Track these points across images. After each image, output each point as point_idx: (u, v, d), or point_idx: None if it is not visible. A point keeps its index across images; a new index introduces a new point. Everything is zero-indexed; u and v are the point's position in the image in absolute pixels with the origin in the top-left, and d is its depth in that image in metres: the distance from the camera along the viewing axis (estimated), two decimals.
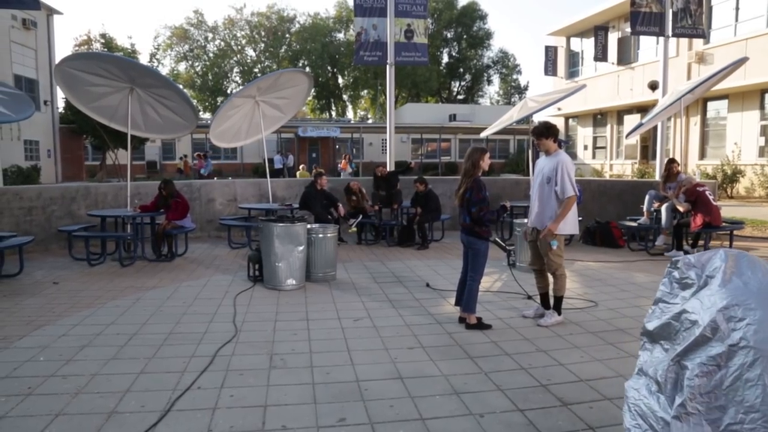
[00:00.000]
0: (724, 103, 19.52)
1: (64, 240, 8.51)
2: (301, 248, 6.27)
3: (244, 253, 8.39)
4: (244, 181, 11.74)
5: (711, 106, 20.33)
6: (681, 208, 8.40)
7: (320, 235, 6.64)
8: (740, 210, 13.49)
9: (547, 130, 4.95)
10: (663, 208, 8.84)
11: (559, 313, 4.96)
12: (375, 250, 9.02)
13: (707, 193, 8.34)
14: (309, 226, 6.61)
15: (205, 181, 12.28)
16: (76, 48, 32.75)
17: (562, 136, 28.19)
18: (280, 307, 5.54)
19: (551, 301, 5.02)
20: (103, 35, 28.84)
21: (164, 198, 8.28)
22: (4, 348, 4.30)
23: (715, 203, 8.47)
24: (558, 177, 4.77)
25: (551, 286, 5.03)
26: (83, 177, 28.95)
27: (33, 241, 7.74)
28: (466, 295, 4.84)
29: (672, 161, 9.26)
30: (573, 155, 28.40)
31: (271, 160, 21.52)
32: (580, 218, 9.15)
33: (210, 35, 46.32)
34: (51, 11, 25.93)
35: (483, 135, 12.36)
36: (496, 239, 5.19)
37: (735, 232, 8.91)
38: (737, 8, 18.94)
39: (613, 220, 9.69)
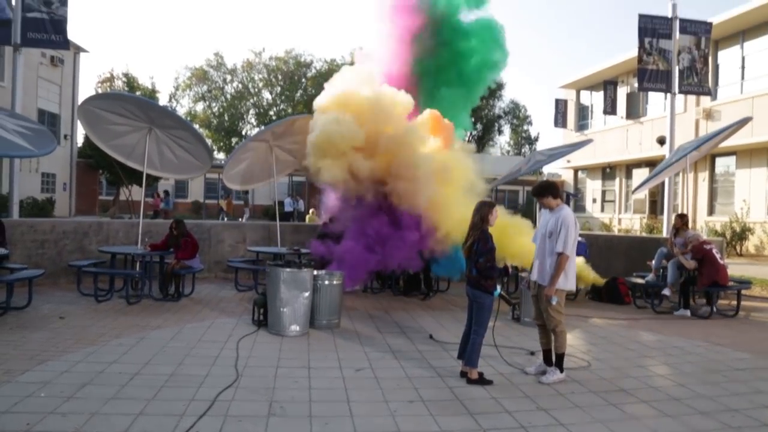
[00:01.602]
0: (732, 159, 19.63)
1: (74, 274, 8.61)
2: (306, 294, 6.31)
3: (250, 296, 8.42)
4: (254, 223, 11.89)
5: (719, 162, 20.45)
6: (688, 266, 8.38)
7: (326, 282, 6.68)
8: (749, 269, 13.38)
9: (544, 190, 5.05)
10: (669, 264, 8.81)
11: (561, 371, 4.92)
12: (380, 299, 9.00)
13: (714, 251, 8.35)
14: (315, 272, 6.66)
15: (215, 222, 12.45)
16: (99, 84, 33.78)
17: (570, 188, 28.32)
18: (283, 353, 5.54)
19: (553, 358, 5.01)
20: (125, 74, 29.79)
21: (174, 237, 8.40)
22: (6, 382, 4.34)
23: (722, 261, 8.46)
24: (558, 233, 4.83)
25: (554, 343, 5.02)
26: (96, 211, 29.34)
27: (43, 275, 7.84)
28: (469, 349, 4.85)
29: (681, 216, 9.29)
30: (582, 208, 28.47)
31: (281, 203, 21.73)
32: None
33: (228, 77, 47.56)
34: (78, 49, 26.86)
35: (491, 186, 12.51)
36: (502, 293, 5.22)
37: (743, 292, 8.85)
38: (743, 67, 19.33)
39: (620, 275, 9.65)
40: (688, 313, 8.33)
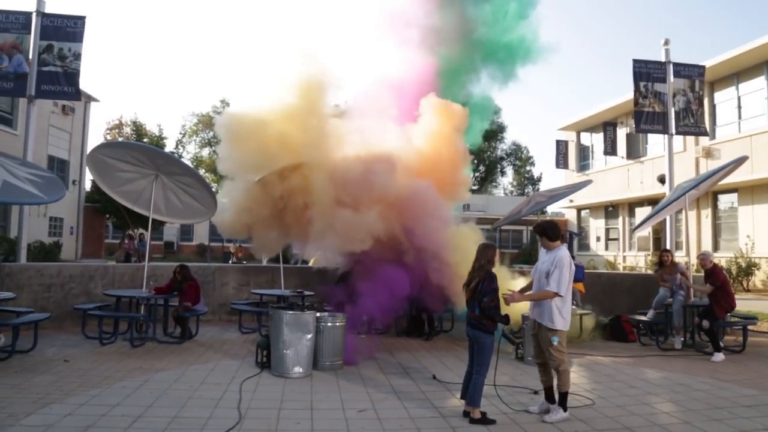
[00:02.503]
0: (734, 196, 19.75)
1: (79, 317, 8.65)
2: (309, 336, 6.35)
3: (254, 338, 8.42)
4: (258, 266, 11.94)
5: (722, 199, 20.55)
6: (704, 291, 8.32)
7: (329, 324, 6.72)
8: (757, 304, 13.27)
9: (542, 231, 5.19)
10: (675, 307, 8.71)
11: (565, 409, 4.91)
12: (383, 340, 8.97)
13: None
14: (318, 314, 6.70)
15: (219, 265, 12.53)
16: (108, 131, 34.52)
17: (574, 227, 28.36)
18: (286, 395, 5.54)
19: (556, 396, 4.99)
20: (134, 122, 30.48)
21: (178, 282, 8.47)
22: (9, 426, 4.36)
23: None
24: (553, 273, 4.92)
25: (555, 381, 5.02)
26: (102, 254, 29.53)
27: (49, 318, 7.90)
28: (471, 388, 4.85)
29: (665, 251, 9.36)
30: (586, 246, 28.44)
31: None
32: (589, 312, 9.17)
33: None
34: (89, 99, 27.60)
35: (494, 226, 12.61)
36: (505, 333, 5.26)
37: (749, 327, 8.80)
38: (739, 107, 19.67)
39: (624, 313, 9.63)
40: (722, 356, 7.80)
